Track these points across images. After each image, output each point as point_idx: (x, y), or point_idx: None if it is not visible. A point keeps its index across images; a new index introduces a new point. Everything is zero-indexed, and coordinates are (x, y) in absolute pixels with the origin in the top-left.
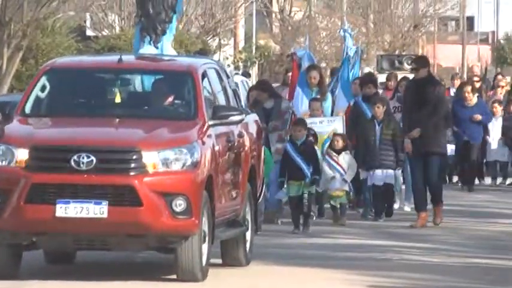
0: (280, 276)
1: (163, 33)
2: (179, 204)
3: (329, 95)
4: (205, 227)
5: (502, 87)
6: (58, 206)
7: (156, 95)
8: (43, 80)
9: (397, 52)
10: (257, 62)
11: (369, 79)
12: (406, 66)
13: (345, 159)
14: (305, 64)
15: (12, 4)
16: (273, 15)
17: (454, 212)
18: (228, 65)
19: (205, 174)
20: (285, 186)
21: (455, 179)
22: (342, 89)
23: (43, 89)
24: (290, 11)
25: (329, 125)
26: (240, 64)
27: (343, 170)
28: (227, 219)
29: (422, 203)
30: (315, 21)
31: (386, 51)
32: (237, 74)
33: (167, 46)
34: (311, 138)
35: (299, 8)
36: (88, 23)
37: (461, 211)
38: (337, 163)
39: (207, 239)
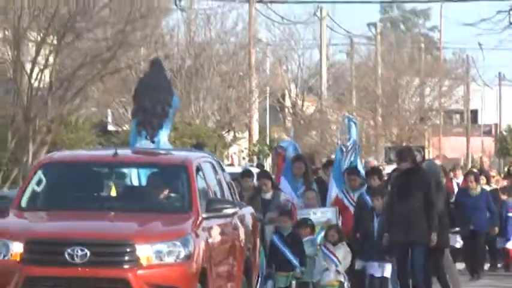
0: None
1: (160, 127)
2: None
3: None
4: None
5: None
6: None
7: (151, 188)
8: (39, 174)
9: (404, 144)
10: (270, 155)
11: (374, 171)
12: None
13: (341, 250)
14: (290, 154)
15: (37, 101)
16: (286, 109)
17: None
18: (244, 158)
19: (198, 267)
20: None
21: (460, 265)
22: (334, 179)
23: (39, 183)
24: (302, 106)
25: (323, 216)
26: (254, 157)
27: (338, 261)
28: None
29: None
30: (326, 115)
31: (393, 143)
32: (251, 166)
33: (164, 140)
34: (308, 229)
35: (310, 103)
36: (109, 119)
37: None
38: (333, 254)
39: None
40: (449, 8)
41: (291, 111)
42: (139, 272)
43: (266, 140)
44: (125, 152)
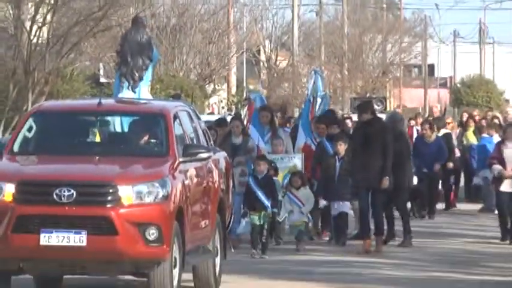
0: None
1: (141, 79)
2: (152, 233)
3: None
4: (176, 253)
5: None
6: (42, 235)
7: (132, 134)
8: (30, 122)
9: (368, 95)
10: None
11: (333, 121)
12: (376, 107)
13: (303, 193)
14: (257, 105)
15: (36, 55)
16: (261, 63)
17: (416, 232)
18: (223, 107)
19: (175, 206)
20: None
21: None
22: (302, 127)
23: (30, 129)
24: (276, 60)
25: (289, 161)
26: (233, 106)
27: (302, 203)
28: (197, 246)
29: (366, 231)
30: (297, 69)
31: (358, 94)
32: (230, 114)
33: (144, 91)
34: (272, 171)
35: (283, 58)
36: (101, 72)
37: (422, 232)
38: (297, 198)
39: (177, 264)
40: None
41: (265, 65)
42: (121, 210)
43: (243, 92)
44: (108, 102)
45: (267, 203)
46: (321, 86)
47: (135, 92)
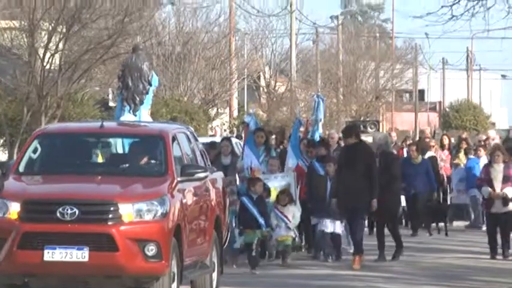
0: None
1: (141, 103)
2: (151, 249)
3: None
4: (174, 268)
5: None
6: (46, 251)
7: (133, 155)
8: (35, 143)
9: (362, 118)
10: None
11: (321, 143)
12: (369, 129)
13: (289, 210)
14: (252, 127)
15: (49, 81)
16: (261, 89)
17: (408, 248)
18: (225, 130)
19: (174, 223)
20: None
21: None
22: (292, 149)
23: (35, 150)
24: (275, 86)
25: (283, 179)
26: (234, 129)
27: (288, 220)
28: (195, 261)
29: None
30: (295, 94)
31: (353, 118)
32: (231, 136)
33: (144, 114)
34: (265, 193)
35: (282, 83)
36: (110, 96)
37: (414, 247)
38: (283, 214)
39: (176, 279)
40: (400, 3)
41: (265, 90)
42: (122, 227)
43: (244, 115)
44: (110, 124)
45: (262, 221)
46: (322, 111)
47: (136, 115)
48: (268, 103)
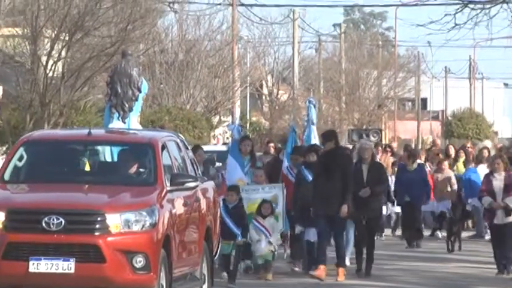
0: None
1: (130, 110)
2: (139, 261)
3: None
4: (163, 281)
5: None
6: (31, 262)
7: (121, 163)
8: (20, 151)
9: (364, 127)
10: (250, 136)
11: (311, 149)
12: (372, 138)
13: (270, 222)
14: (235, 136)
15: (51, 89)
16: (263, 97)
17: (411, 257)
18: (227, 138)
19: (163, 234)
20: None
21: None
22: (287, 157)
23: (20, 158)
24: (277, 94)
25: (270, 191)
26: None
27: (269, 232)
28: (185, 273)
29: (322, 256)
30: (297, 102)
31: (355, 126)
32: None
33: (133, 121)
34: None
35: (284, 91)
36: None
37: (417, 256)
38: (264, 226)
39: None
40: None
41: (267, 98)
42: (109, 238)
43: (247, 123)
44: (98, 132)
45: (237, 231)
46: (314, 115)
47: (124, 123)
48: (270, 111)
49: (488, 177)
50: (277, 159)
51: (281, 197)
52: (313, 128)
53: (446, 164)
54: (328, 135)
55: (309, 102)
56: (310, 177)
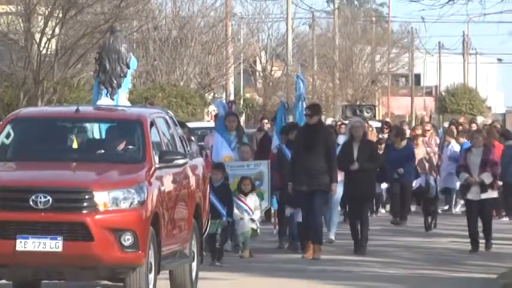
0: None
1: (119, 86)
2: (127, 239)
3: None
4: (151, 259)
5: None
6: (18, 241)
7: (109, 141)
8: (8, 129)
9: (358, 103)
10: (244, 112)
11: (293, 126)
12: (366, 114)
13: (251, 200)
14: (221, 112)
15: (45, 66)
16: (257, 73)
17: (405, 232)
18: None
19: (151, 212)
20: None
21: (383, 211)
22: (276, 134)
23: (8, 136)
24: (271, 70)
25: (256, 167)
26: None
27: (251, 210)
28: (174, 251)
29: (307, 236)
30: (291, 78)
31: (349, 102)
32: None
33: (122, 98)
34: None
35: (278, 68)
36: None
37: (410, 231)
38: (245, 204)
39: (153, 269)
40: None
41: (261, 74)
42: (97, 216)
43: (240, 100)
44: (86, 108)
45: (223, 211)
46: (302, 89)
47: (113, 99)
48: (264, 88)
49: (466, 152)
50: (266, 136)
51: (266, 174)
52: (305, 104)
53: (420, 139)
54: (314, 109)
55: (297, 77)
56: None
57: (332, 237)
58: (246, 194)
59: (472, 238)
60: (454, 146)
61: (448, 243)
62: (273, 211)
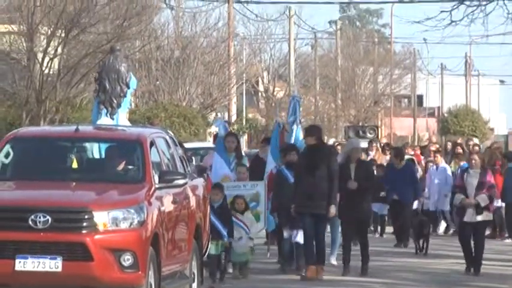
0: None
1: (119, 106)
2: (127, 259)
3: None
4: (151, 279)
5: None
6: (17, 260)
7: (109, 161)
8: (7, 148)
9: (360, 123)
10: (247, 132)
11: (292, 147)
12: (369, 135)
13: (248, 218)
14: (221, 132)
15: (48, 85)
16: (259, 94)
17: (406, 253)
18: None
19: (151, 232)
20: None
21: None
22: (272, 154)
23: (7, 155)
24: (273, 91)
25: (252, 188)
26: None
27: (247, 228)
28: (174, 272)
29: (311, 257)
30: None
31: (351, 123)
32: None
33: (122, 117)
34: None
35: (280, 88)
36: None
37: (412, 253)
38: (242, 222)
39: None
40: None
41: (263, 95)
42: (97, 236)
43: (243, 120)
44: (85, 128)
45: (224, 232)
46: (298, 112)
47: (113, 119)
48: (266, 108)
49: (463, 173)
50: (257, 157)
51: (263, 196)
52: (300, 128)
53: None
54: (311, 130)
55: (293, 98)
56: (291, 178)
57: (334, 262)
58: (241, 213)
59: (468, 260)
60: (447, 169)
61: (451, 265)
62: (265, 233)
